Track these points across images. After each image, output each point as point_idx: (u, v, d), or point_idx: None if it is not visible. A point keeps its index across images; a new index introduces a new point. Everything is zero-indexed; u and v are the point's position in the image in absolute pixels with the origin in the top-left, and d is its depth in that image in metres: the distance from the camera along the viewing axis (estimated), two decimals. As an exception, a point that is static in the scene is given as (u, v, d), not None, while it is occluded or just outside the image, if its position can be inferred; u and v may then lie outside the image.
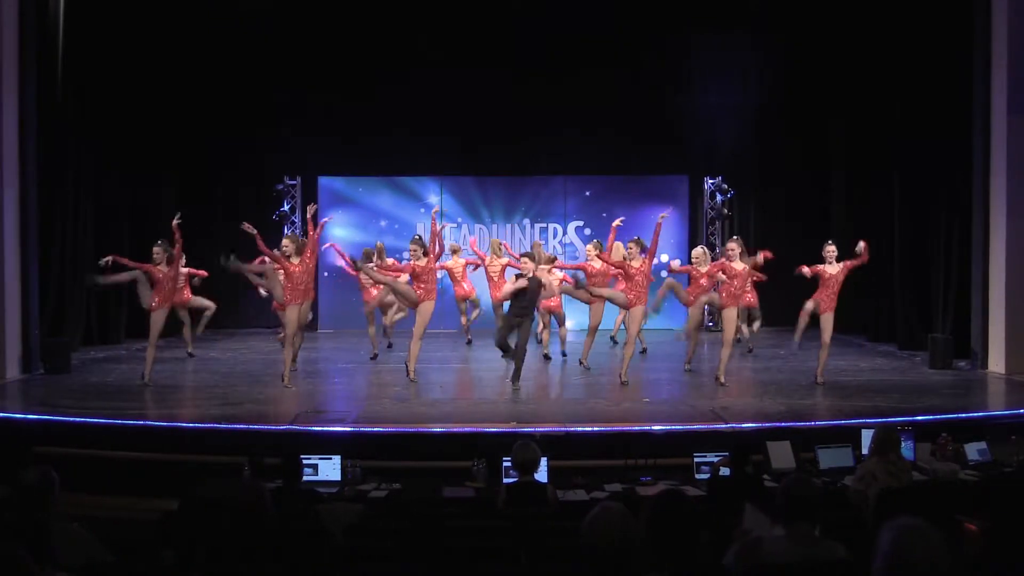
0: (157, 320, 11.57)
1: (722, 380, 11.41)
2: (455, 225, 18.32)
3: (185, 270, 13.07)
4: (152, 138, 16.36)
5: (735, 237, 12.61)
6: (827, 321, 11.44)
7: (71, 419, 9.46)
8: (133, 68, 15.48)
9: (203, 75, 16.48)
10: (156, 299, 11.53)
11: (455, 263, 14.72)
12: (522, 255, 12.05)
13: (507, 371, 11.69)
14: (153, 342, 11.57)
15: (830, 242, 11.66)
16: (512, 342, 11.22)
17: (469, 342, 15.14)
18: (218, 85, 16.66)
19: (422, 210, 18.32)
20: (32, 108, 12.56)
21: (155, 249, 11.78)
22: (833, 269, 11.43)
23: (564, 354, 13.89)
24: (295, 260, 11.37)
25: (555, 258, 14.23)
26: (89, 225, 14.97)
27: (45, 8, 13.39)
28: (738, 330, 13.71)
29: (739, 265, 11.61)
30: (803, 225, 17.27)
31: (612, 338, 15.48)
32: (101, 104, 14.91)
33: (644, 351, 14.14)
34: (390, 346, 14.78)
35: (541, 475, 6.94)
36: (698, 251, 12.46)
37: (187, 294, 13.62)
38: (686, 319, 12.76)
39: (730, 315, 11.58)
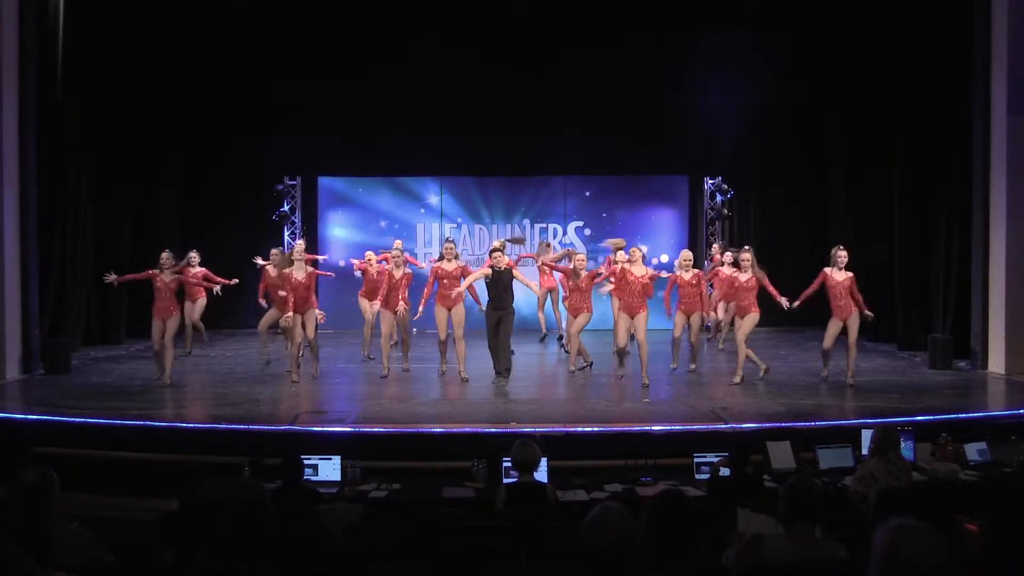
0: (156, 327, 11.87)
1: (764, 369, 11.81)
2: (455, 225, 18.32)
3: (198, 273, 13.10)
4: (152, 138, 16.33)
5: (747, 247, 12.57)
6: (851, 324, 11.55)
7: (71, 419, 9.46)
8: (133, 68, 15.46)
9: (203, 75, 16.43)
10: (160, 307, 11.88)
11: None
12: (492, 250, 12.02)
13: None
14: (156, 344, 11.83)
15: (842, 247, 11.75)
16: (497, 341, 11.72)
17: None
18: (218, 85, 16.61)
19: (422, 210, 18.32)
20: (32, 108, 12.55)
21: (164, 256, 12.12)
22: (840, 276, 11.50)
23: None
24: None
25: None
26: (89, 225, 14.97)
27: (45, 8, 13.37)
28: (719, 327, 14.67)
29: (744, 276, 11.75)
30: (803, 225, 17.27)
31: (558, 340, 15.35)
32: (101, 104, 14.90)
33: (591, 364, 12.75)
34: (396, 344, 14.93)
35: (541, 475, 6.94)
36: (687, 254, 12.44)
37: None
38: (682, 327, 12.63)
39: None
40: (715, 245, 15.54)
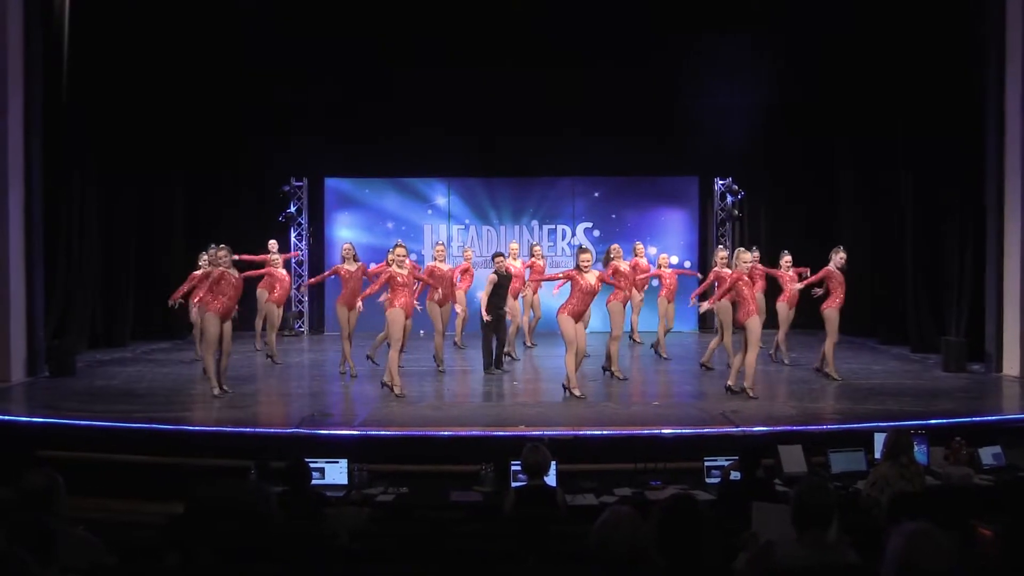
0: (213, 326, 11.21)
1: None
2: (462, 227, 18.27)
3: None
4: (158, 139, 16.27)
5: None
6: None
7: (75, 422, 9.44)
8: (139, 69, 15.40)
9: (209, 76, 16.42)
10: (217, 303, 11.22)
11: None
12: (494, 255, 13.14)
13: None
14: (211, 349, 11.22)
15: (842, 249, 12.23)
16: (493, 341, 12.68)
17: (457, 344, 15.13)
18: (225, 85, 16.60)
19: (429, 211, 18.27)
20: (37, 109, 12.51)
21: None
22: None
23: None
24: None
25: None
26: (95, 226, 14.91)
27: (50, 9, 13.32)
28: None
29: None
30: (814, 226, 17.13)
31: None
32: (107, 106, 14.83)
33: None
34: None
35: (550, 479, 6.88)
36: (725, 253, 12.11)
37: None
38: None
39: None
40: (756, 251, 14.85)
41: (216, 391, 10.93)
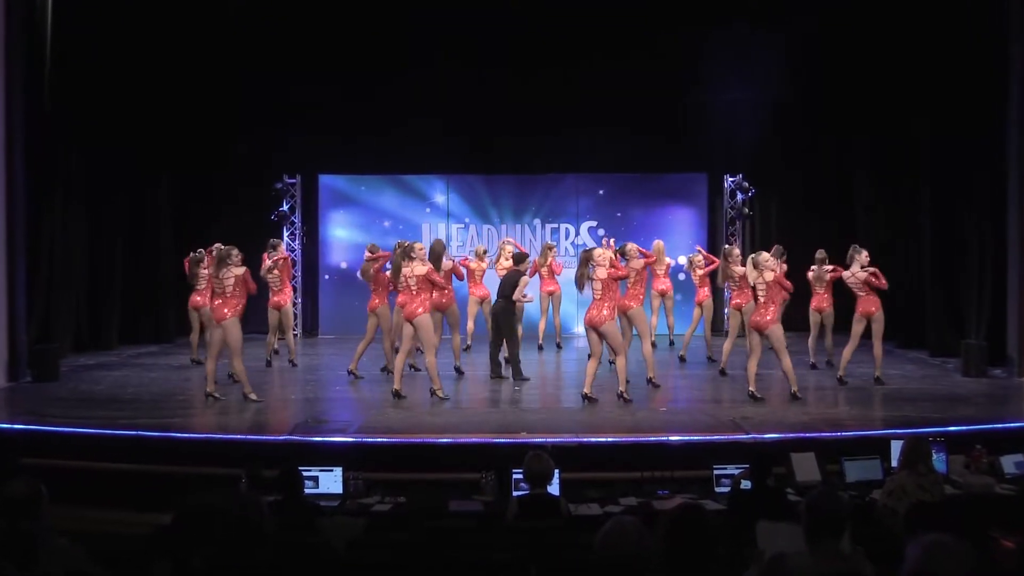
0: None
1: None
2: (462, 226, 18.06)
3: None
4: (147, 138, 16.07)
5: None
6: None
7: (59, 429, 9.32)
8: (126, 67, 15.19)
9: (200, 72, 16.22)
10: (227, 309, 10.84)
11: (478, 266, 14.39)
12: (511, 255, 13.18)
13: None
14: (238, 356, 10.84)
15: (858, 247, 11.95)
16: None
17: (467, 348, 14.85)
18: (215, 81, 16.41)
19: (428, 210, 18.07)
20: (20, 107, 12.26)
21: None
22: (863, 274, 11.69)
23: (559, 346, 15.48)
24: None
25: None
26: (81, 227, 14.69)
27: (32, 7, 13.11)
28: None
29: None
30: (827, 225, 16.89)
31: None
32: (93, 104, 14.61)
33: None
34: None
35: (553, 488, 6.81)
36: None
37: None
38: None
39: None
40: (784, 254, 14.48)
41: (217, 395, 10.75)
